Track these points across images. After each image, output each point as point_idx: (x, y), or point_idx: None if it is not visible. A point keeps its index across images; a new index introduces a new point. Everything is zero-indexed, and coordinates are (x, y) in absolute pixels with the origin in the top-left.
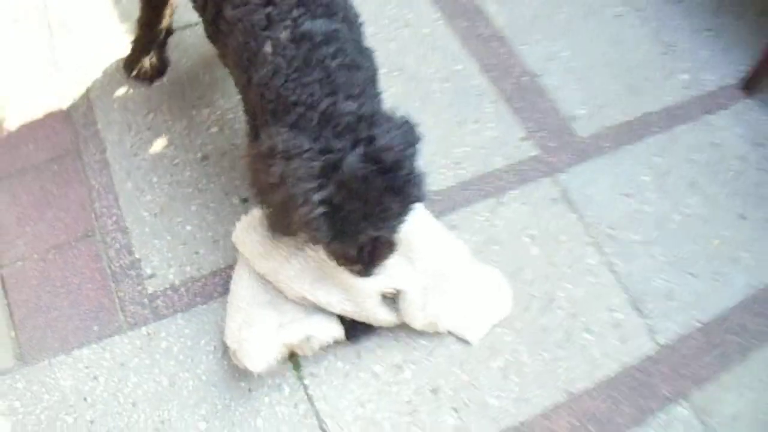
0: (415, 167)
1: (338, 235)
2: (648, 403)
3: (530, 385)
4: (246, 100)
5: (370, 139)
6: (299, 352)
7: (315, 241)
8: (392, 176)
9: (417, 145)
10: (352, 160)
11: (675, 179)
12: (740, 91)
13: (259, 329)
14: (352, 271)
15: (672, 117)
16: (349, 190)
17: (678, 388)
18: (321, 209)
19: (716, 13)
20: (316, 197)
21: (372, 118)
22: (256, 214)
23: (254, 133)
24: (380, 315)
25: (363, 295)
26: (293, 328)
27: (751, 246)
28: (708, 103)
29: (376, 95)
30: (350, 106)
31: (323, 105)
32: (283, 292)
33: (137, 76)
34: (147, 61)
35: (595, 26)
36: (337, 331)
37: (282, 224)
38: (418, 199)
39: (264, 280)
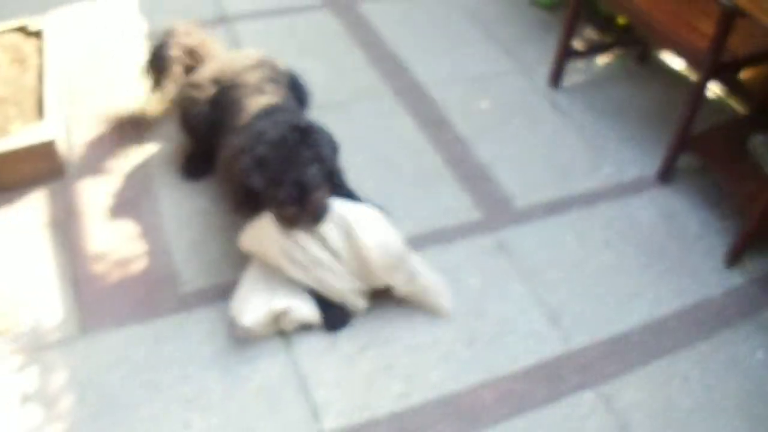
0: (324, 131)
1: (269, 182)
2: (559, 387)
3: (464, 368)
4: None
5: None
6: (281, 325)
7: (254, 187)
8: (304, 135)
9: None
10: (276, 128)
11: (593, 239)
12: (656, 180)
13: (254, 300)
14: (293, 219)
15: (595, 197)
16: (274, 146)
17: (585, 379)
18: (253, 159)
19: (639, 123)
20: (250, 152)
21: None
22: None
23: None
24: (353, 297)
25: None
26: (279, 300)
27: (654, 286)
28: (627, 189)
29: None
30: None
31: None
32: (276, 254)
33: (189, 176)
34: (196, 167)
35: (536, 134)
36: (312, 314)
37: (241, 198)
38: (328, 147)
39: (264, 276)
